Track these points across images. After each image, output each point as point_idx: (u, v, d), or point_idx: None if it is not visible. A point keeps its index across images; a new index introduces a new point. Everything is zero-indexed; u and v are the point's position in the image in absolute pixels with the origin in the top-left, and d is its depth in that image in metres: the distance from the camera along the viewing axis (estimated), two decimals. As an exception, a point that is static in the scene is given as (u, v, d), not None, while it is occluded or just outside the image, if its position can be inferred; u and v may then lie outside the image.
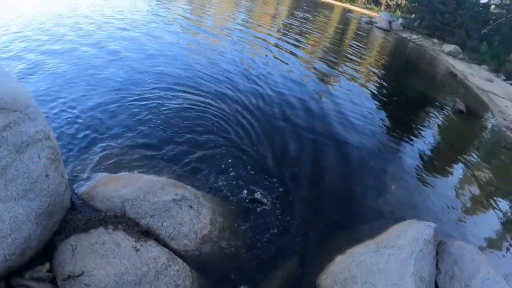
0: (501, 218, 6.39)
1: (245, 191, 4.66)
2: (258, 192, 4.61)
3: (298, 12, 29.73)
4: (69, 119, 5.40)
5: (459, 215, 5.97)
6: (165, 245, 3.44)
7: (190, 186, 4.31)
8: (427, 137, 9.06)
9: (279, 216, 4.48)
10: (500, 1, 36.32)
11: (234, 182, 4.82)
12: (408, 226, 3.79)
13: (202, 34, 13.27)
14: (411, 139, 8.56)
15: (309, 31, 20.57)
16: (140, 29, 11.80)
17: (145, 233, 3.43)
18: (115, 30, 10.97)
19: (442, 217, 5.66)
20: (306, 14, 29.44)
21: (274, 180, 5.13)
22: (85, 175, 4.23)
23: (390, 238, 3.66)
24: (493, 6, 37.46)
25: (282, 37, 16.25)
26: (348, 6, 58.73)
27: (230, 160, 5.31)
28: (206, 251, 3.60)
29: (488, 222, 6.14)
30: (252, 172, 5.17)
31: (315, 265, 3.87)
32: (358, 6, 60.54)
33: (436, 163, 7.83)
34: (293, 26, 20.82)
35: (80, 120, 5.45)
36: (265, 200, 4.52)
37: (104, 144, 4.97)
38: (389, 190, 5.82)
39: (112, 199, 3.67)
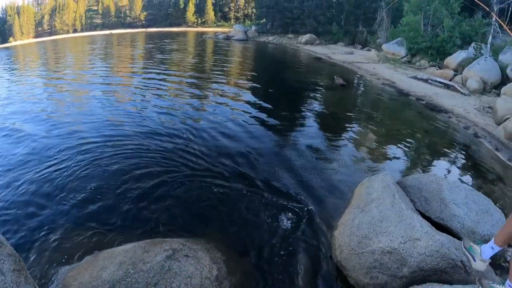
0: (406, 149, 7.40)
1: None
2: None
3: (157, 47, 29.15)
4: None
5: (378, 160, 6.63)
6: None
7: (168, 238, 3.85)
8: (323, 115, 9.44)
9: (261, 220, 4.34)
10: None
11: (196, 216, 4.48)
12: (370, 182, 4.15)
13: (71, 89, 12.10)
14: (316, 121, 8.87)
15: (173, 61, 20.03)
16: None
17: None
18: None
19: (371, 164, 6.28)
20: (165, 47, 29.03)
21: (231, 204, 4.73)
22: (48, 278, 3.44)
23: (364, 197, 3.95)
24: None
25: (149, 74, 15.36)
26: (201, 29, 60.63)
27: (174, 196, 4.88)
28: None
29: (400, 156, 6.95)
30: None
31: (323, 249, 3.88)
32: (210, 26, 63.04)
33: (344, 130, 8.28)
34: (156, 60, 20.07)
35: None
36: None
37: (44, 234, 4.11)
38: (327, 168, 5.97)
39: (98, 289, 2.96)
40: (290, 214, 4.43)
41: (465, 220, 3.67)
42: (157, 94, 11.18)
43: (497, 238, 2.54)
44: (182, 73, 15.61)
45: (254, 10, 54.28)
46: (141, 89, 12.05)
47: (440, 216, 3.76)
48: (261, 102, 10.35)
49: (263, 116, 8.86)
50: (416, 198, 4.07)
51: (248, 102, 10.40)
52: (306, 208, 4.51)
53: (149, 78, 14.05)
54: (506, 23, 19.87)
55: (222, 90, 12.08)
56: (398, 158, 6.78)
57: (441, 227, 3.67)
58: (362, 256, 3.25)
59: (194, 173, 5.58)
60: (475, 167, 6.68)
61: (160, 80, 13.61)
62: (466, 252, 2.75)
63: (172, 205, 4.65)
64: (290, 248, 3.85)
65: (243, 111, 9.24)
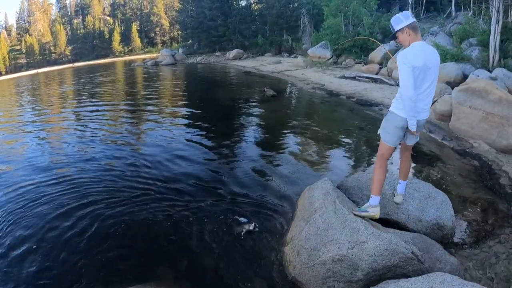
0: (344, 149, 7.52)
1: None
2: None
3: (86, 81, 27.50)
4: None
5: (319, 166, 6.61)
6: None
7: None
8: (259, 129, 9.31)
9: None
10: None
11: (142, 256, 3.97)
12: (311, 191, 4.03)
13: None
14: (252, 136, 8.68)
15: (104, 93, 18.89)
16: None
17: None
18: None
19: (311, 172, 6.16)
20: (95, 80, 27.59)
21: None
22: None
23: (307, 208, 3.83)
24: (254, 5, 43.60)
25: (82, 108, 14.22)
26: (129, 57, 59.40)
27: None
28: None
29: (339, 158, 7.00)
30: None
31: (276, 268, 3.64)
32: (138, 54, 62.10)
33: (281, 141, 8.19)
34: (87, 94, 18.76)
35: None
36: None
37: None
38: (269, 182, 5.79)
39: None
40: (236, 236, 4.18)
41: (409, 210, 3.71)
42: (92, 128, 10.41)
43: (373, 191, 3.40)
44: (115, 104, 14.87)
45: (179, 32, 54.37)
46: (76, 124, 11.20)
47: (384, 211, 3.76)
48: (196, 124, 10.09)
49: (199, 138, 8.57)
50: (359, 199, 4.07)
51: (183, 125, 10.09)
52: (253, 228, 4.30)
53: (83, 113, 13.11)
54: (422, 12, 21.81)
55: (156, 116, 11.60)
56: (337, 160, 6.81)
57: (388, 222, 3.68)
58: (315, 268, 3.14)
59: (134, 206, 5.10)
60: (413, 153, 6.96)
61: (94, 113, 12.75)
62: (358, 214, 3.40)
63: (114, 247, 4.16)
64: (243, 273, 3.60)
65: (179, 135, 8.88)
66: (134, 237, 4.33)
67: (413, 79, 2.86)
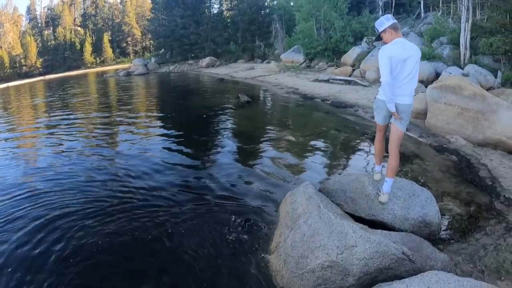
0: (323, 152, 7.41)
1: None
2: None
3: (58, 94, 26.24)
4: None
5: (299, 170, 6.40)
6: None
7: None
8: (235, 135, 9.07)
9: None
10: (230, 6, 42.54)
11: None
12: (293, 197, 3.93)
13: None
14: (229, 143, 8.44)
15: (77, 105, 18.21)
16: None
17: None
18: None
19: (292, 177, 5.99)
20: (67, 92, 26.44)
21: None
22: None
23: (290, 214, 3.73)
24: (225, 12, 43.62)
25: (56, 121, 13.49)
26: (101, 68, 57.93)
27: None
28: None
29: (319, 161, 6.85)
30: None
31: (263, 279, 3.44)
32: (110, 65, 60.88)
33: (258, 147, 7.94)
34: (60, 107, 18.02)
35: None
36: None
37: None
38: (249, 191, 5.55)
39: None
40: (220, 247, 3.99)
41: (395, 210, 3.63)
42: (67, 140, 9.91)
43: (375, 161, 4.09)
44: (88, 116, 14.25)
45: (151, 42, 53.73)
46: (51, 137, 10.60)
47: (370, 212, 3.68)
48: (172, 133, 9.77)
49: (176, 147, 8.27)
50: (342, 201, 3.99)
51: (159, 135, 9.73)
52: (236, 239, 4.11)
53: (57, 126, 12.47)
54: (392, 14, 22.14)
55: (131, 127, 11.21)
56: (317, 163, 6.68)
57: (374, 223, 3.58)
58: (304, 277, 2.99)
59: (112, 222, 4.76)
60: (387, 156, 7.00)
61: (67, 126, 12.12)
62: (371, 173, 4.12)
63: (91, 265, 3.84)
64: (229, 287, 3.42)
65: (155, 145, 8.57)
66: (111, 253, 4.05)
67: (389, 67, 3.34)
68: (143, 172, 6.67)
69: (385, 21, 3.50)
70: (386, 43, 3.52)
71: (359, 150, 7.37)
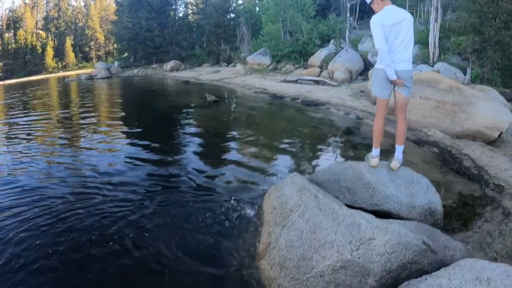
0: (300, 149, 6.85)
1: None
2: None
3: (18, 99, 24.17)
4: None
5: (276, 169, 5.72)
6: None
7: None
8: (204, 135, 8.45)
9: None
10: (195, 9, 41.73)
11: None
12: (280, 190, 3.43)
13: None
14: (198, 144, 7.74)
15: (36, 108, 16.76)
16: None
17: None
18: None
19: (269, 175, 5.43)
20: (27, 97, 24.36)
21: None
22: None
23: (279, 210, 3.21)
24: (191, 15, 42.84)
25: (14, 128, 12.32)
26: (62, 73, 54.91)
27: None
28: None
29: (297, 159, 6.26)
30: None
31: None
32: (72, 69, 58.10)
33: (229, 147, 7.33)
34: (19, 114, 16.52)
35: None
36: None
37: None
38: (222, 196, 4.75)
39: None
40: (194, 253, 3.32)
41: (400, 198, 3.24)
42: (25, 139, 8.87)
43: (373, 144, 3.71)
44: (49, 116, 13.12)
45: (115, 46, 51.91)
46: (6, 138, 9.58)
47: (373, 202, 3.26)
48: (136, 132, 8.99)
49: (140, 150, 7.43)
50: (337, 192, 3.53)
51: (123, 138, 8.79)
52: (214, 243, 3.48)
53: (13, 125, 11.44)
54: (356, 18, 22.62)
55: (94, 126, 10.27)
56: (296, 161, 6.11)
57: (378, 213, 3.12)
58: (310, 283, 2.45)
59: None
60: (371, 146, 6.68)
61: (25, 125, 11.08)
62: (366, 160, 3.76)
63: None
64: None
65: (121, 150, 7.62)
66: (62, 255, 3.35)
67: (383, 34, 3.25)
68: (105, 169, 6.01)
69: None
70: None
71: (339, 145, 7.02)
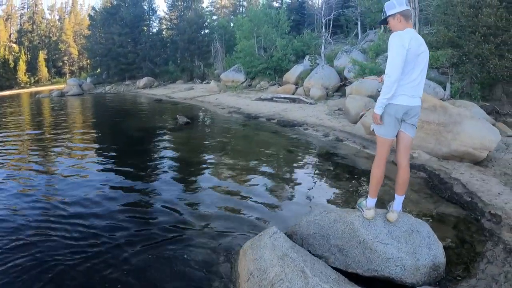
0: (276, 179, 6.16)
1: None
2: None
3: None
4: None
5: (251, 206, 4.97)
6: None
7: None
8: (174, 163, 7.63)
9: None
10: (169, 24, 41.47)
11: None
12: (257, 251, 2.84)
13: None
14: (167, 172, 6.91)
15: (1, 127, 15.85)
16: None
17: None
18: None
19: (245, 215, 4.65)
20: None
21: None
22: None
23: (257, 280, 2.61)
24: (165, 31, 42.28)
25: None
26: (35, 89, 52.72)
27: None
28: None
29: (273, 192, 5.54)
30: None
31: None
32: (44, 85, 56.16)
33: (200, 177, 6.59)
34: None
35: None
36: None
37: None
38: (194, 237, 3.99)
39: None
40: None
41: (403, 259, 2.66)
42: None
43: (370, 193, 3.08)
44: (15, 137, 12.10)
45: (88, 61, 50.73)
46: None
47: (370, 267, 2.68)
48: (107, 158, 8.16)
49: (114, 178, 6.67)
50: (326, 251, 2.96)
51: (96, 164, 7.95)
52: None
53: None
54: (329, 33, 22.64)
55: (62, 148, 9.39)
56: (272, 195, 5.38)
57: (376, 280, 2.58)
58: None
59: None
60: (356, 174, 6.08)
61: None
62: (359, 209, 3.15)
63: None
64: None
65: (92, 178, 6.83)
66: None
67: (404, 60, 2.74)
68: (75, 199, 5.36)
69: (396, 5, 2.90)
70: (392, 30, 2.97)
71: (319, 174, 6.34)
